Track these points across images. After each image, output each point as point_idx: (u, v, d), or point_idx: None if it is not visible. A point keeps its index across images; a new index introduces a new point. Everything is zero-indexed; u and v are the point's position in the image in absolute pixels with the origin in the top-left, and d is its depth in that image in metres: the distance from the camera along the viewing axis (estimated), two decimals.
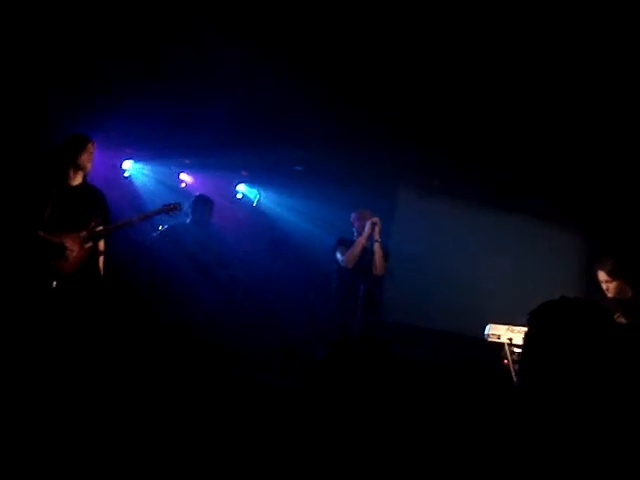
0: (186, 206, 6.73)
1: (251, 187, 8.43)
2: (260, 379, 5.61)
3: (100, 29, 6.06)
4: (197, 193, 7.27)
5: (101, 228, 5.15)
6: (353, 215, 6.25)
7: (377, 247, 6.02)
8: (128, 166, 7.92)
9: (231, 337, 6.55)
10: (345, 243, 6.11)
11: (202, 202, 6.90)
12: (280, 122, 7.37)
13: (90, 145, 5.15)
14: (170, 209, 5.66)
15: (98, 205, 5.22)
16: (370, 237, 6.01)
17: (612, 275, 5.62)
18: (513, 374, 4.86)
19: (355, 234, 6.14)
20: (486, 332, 5.27)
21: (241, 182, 8.46)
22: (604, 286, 5.67)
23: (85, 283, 5.04)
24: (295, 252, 7.86)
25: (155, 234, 6.65)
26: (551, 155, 7.02)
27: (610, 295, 5.68)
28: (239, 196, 8.43)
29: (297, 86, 6.58)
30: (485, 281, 7.49)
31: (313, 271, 7.31)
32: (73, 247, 4.97)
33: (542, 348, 1.93)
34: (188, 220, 6.80)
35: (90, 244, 5.10)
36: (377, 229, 6.03)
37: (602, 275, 5.67)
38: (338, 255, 6.08)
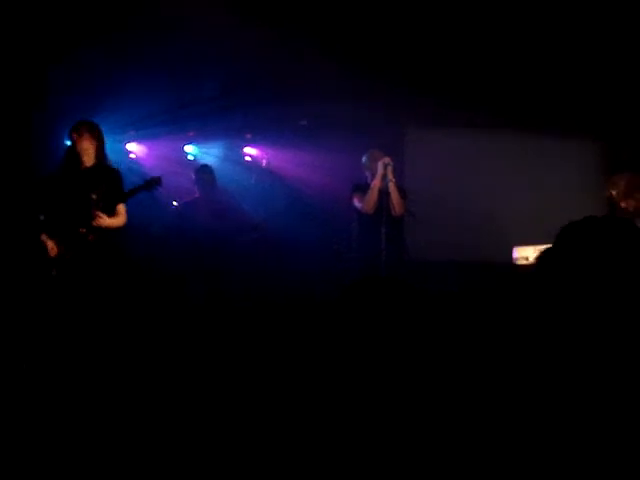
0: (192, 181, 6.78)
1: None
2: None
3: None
4: (197, 165, 7.25)
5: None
6: (364, 158, 6.15)
7: (392, 187, 5.94)
8: (133, 148, 7.91)
9: (261, 299, 6.56)
10: (361, 188, 6.06)
11: (202, 173, 6.88)
12: (278, 78, 7.31)
13: (82, 128, 5.15)
14: (151, 185, 5.34)
15: (106, 182, 5.19)
16: (384, 177, 5.95)
17: (625, 196, 5.55)
18: None
19: (369, 177, 6.07)
20: (514, 256, 5.25)
21: (247, 145, 8.40)
22: (621, 204, 5.60)
23: (91, 268, 5.02)
24: (312, 206, 7.82)
25: (170, 211, 6.67)
26: (553, 63, 6.89)
27: (629, 209, 5.63)
28: (248, 159, 8.38)
29: (292, 38, 6.51)
30: (504, 205, 7.41)
31: (334, 222, 7.28)
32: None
33: (569, 275, 1.80)
34: (196, 194, 6.79)
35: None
36: (390, 169, 5.93)
37: (614, 192, 5.60)
38: (356, 202, 6.03)
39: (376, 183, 5.90)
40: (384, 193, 5.90)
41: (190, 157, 8.20)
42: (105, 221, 5.03)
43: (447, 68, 7.01)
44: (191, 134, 8.13)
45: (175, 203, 6.84)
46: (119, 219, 5.18)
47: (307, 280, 6.99)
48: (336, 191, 6.85)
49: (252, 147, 8.41)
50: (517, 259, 5.20)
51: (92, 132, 5.18)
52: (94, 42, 6.54)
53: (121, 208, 5.19)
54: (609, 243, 1.78)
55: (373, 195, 5.89)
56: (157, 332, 5.26)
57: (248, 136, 8.39)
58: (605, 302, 1.74)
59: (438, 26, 6.60)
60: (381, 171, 5.89)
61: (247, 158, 8.39)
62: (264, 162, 8.28)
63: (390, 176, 5.91)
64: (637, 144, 6.99)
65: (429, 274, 6.84)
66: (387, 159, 5.92)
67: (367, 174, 6.11)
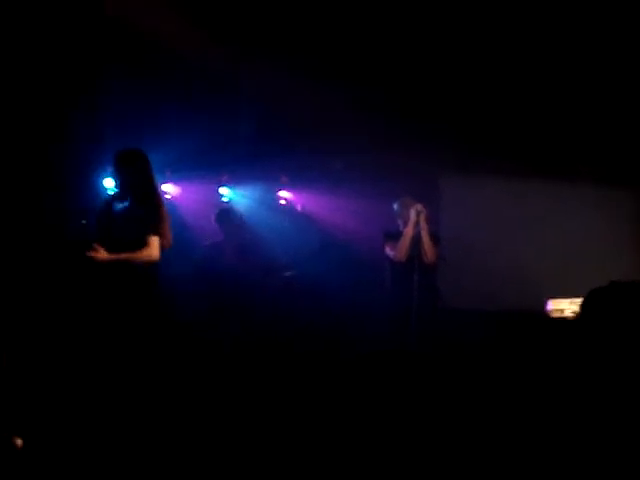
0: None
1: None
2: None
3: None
4: (217, 210, 7.28)
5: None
6: (395, 205, 6.13)
7: (424, 234, 5.90)
8: (169, 189, 7.98)
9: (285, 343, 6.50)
10: (392, 236, 6.03)
11: (223, 215, 6.95)
12: (314, 127, 7.37)
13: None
14: None
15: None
16: (416, 225, 5.91)
17: None
18: None
19: (401, 225, 6.04)
20: (548, 308, 5.17)
21: (282, 188, 8.42)
22: None
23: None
24: (346, 252, 7.78)
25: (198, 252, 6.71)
26: (585, 111, 6.86)
27: None
28: (282, 202, 8.40)
29: (328, 84, 6.59)
30: (539, 254, 7.31)
31: (366, 269, 7.23)
32: None
33: (595, 337, 1.84)
34: (221, 235, 6.84)
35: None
36: (422, 216, 5.91)
37: None
38: (388, 250, 6.00)
39: (408, 231, 5.87)
40: (416, 240, 5.87)
41: (225, 199, 8.25)
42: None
43: (481, 115, 7.01)
44: (225, 177, 8.18)
45: (206, 244, 6.90)
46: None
47: (336, 327, 6.92)
48: (370, 238, 6.82)
49: (287, 191, 8.43)
50: (551, 311, 5.12)
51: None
52: (134, 80, 6.70)
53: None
54: (632, 309, 1.82)
55: (406, 242, 5.86)
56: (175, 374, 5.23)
57: (284, 179, 8.42)
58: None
59: (472, 75, 6.64)
60: (413, 218, 5.86)
61: (282, 201, 8.41)
62: (299, 206, 8.30)
63: (422, 223, 5.88)
64: None
65: (461, 323, 6.74)
66: (419, 206, 5.90)
67: (399, 222, 6.09)
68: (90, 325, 4.85)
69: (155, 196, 5.10)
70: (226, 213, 7.08)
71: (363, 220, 7.42)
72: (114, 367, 4.63)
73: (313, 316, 6.84)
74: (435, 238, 6.04)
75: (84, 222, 5.50)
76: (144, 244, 4.85)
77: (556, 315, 5.05)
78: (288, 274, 6.95)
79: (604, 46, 6.18)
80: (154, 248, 4.89)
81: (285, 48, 6.59)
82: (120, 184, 5.10)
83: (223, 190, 8.26)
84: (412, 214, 5.86)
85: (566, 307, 5.00)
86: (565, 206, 7.63)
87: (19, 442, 3.74)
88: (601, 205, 7.54)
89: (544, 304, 5.30)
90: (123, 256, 4.81)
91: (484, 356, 6.04)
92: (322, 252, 7.74)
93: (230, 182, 8.26)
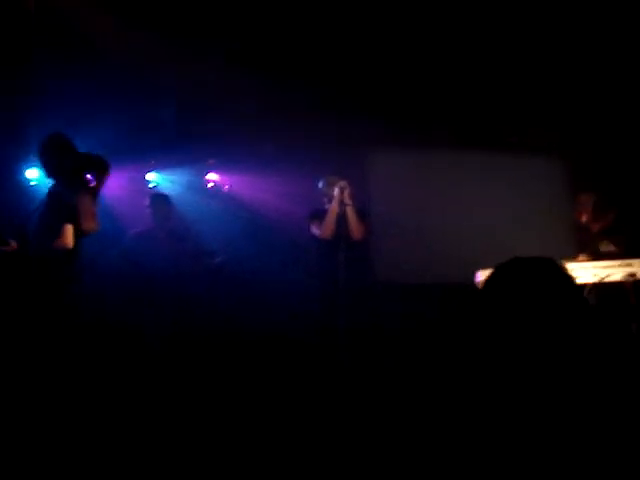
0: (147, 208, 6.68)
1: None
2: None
3: None
4: (151, 194, 7.14)
5: None
6: (320, 184, 6.09)
7: (349, 211, 5.87)
8: None
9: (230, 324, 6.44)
10: (318, 215, 5.99)
11: (158, 200, 6.82)
12: (237, 107, 7.27)
13: None
14: None
15: None
16: (341, 202, 5.84)
17: (594, 219, 5.61)
18: None
19: (326, 203, 6.00)
20: (477, 279, 5.22)
21: (210, 171, 8.29)
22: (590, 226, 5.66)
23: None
24: (275, 232, 7.72)
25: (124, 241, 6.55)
26: (516, 80, 6.92)
27: (594, 229, 5.68)
28: (210, 185, 8.27)
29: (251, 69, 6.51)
30: (470, 227, 7.37)
31: (296, 250, 7.20)
32: None
33: (491, 315, 1.86)
34: (153, 221, 6.70)
35: None
36: (346, 193, 5.87)
37: (584, 216, 5.65)
38: (314, 229, 5.96)
39: (333, 208, 5.83)
40: (342, 218, 5.84)
41: (152, 185, 8.07)
42: None
43: (405, 88, 7.00)
44: (152, 162, 8.00)
45: (131, 233, 6.75)
46: None
47: (266, 308, 6.88)
48: (300, 218, 6.78)
49: (215, 173, 8.30)
50: (480, 283, 5.16)
51: None
52: (54, 69, 6.50)
53: None
54: (532, 285, 1.85)
55: (330, 220, 5.83)
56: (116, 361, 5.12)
57: (211, 162, 8.29)
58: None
59: (399, 48, 6.61)
60: (337, 195, 5.82)
61: (210, 184, 8.28)
62: (226, 188, 8.18)
63: (347, 200, 5.85)
64: (602, 160, 7.02)
65: (394, 296, 6.77)
66: (343, 183, 5.87)
67: (324, 200, 6.05)
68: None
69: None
70: (162, 198, 6.94)
71: (292, 200, 7.36)
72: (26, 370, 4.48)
73: (242, 301, 6.79)
74: (362, 214, 6.01)
75: None
76: (58, 233, 4.76)
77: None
78: (218, 260, 6.86)
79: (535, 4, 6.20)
80: (67, 236, 4.79)
81: (208, 31, 6.46)
82: (44, 169, 5.10)
83: (150, 175, 8.09)
84: (335, 191, 5.82)
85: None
86: (495, 177, 7.70)
87: None
88: (531, 176, 7.63)
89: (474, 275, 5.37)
90: (35, 249, 4.74)
91: (412, 329, 6.10)
92: (251, 234, 7.67)
93: (157, 167, 8.10)
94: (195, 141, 7.71)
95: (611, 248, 5.60)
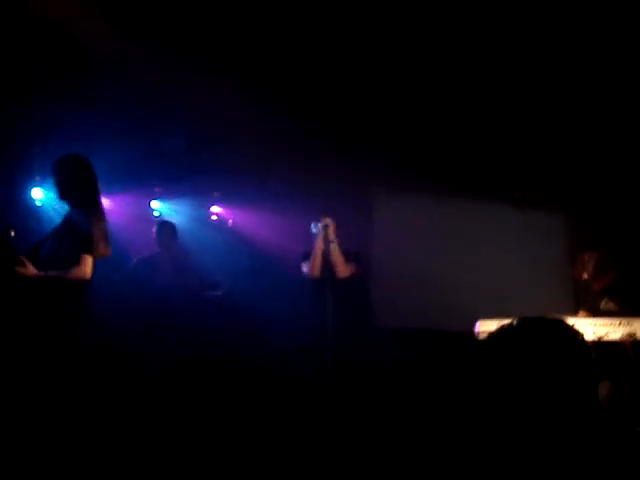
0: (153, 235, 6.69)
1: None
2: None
3: None
4: (159, 221, 7.16)
5: None
6: (312, 225, 5.99)
7: (333, 248, 5.76)
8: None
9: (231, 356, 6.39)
10: (309, 255, 5.92)
11: (166, 228, 6.83)
12: (245, 142, 7.32)
13: None
14: None
15: None
16: (326, 239, 5.76)
17: (595, 278, 5.63)
18: None
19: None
20: (476, 330, 5.19)
21: (214, 203, 8.32)
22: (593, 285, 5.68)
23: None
24: (275, 269, 7.71)
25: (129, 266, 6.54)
26: (521, 136, 6.98)
27: (595, 287, 5.69)
28: (214, 218, 8.29)
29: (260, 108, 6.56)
30: (471, 277, 7.36)
31: (293, 286, 7.19)
32: None
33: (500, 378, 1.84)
34: (159, 248, 6.71)
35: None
36: (330, 230, 5.77)
37: (585, 275, 5.67)
38: (304, 268, 5.92)
39: (318, 246, 5.75)
40: (328, 255, 5.76)
41: (156, 213, 8.10)
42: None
43: (417, 138, 7.06)
44: (157, 190, 8.03)
45: (134, 260, 6.74)
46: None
47: (260, 343, 6.85)
48: (298, 256, 6.78)
49: (219, 206, 8.33)
50: (479, 333, 5.15)
51: None
52: (65, 94, 6.54)
53: None
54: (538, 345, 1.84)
55: (316, 258, 5.76)
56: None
57: (216, 194, 8.33)
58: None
59: (405, 95, 6.68)
60: (322, 234, 5.75)
61: (213, 217, 8.30)
62: (230, 221, 8.20)
63: (331, 237, 5.76)
64: (603, 216, 7.05)
65: (388, 339, 6.73)
66: (328, 220, 5.78)
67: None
68: (9, 342, 4.63)
69: (93, 201, 4.85)
70: (169, 226, 6.94)
71: (294, 239, 7.37)
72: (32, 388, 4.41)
73: (240, 334, 6.76)
74: (352, 255, 5.94)
75: (13, 235, 5.27)
76: (76, 262, 4.60)
77: (482, 337, 5.08)
78: (219, 292, 6.84)
79: (536, 68, 6.28)
80: (86, 267, 4.63)
81: (220, 63, 6.53)
82: (57, 189, 4.88)
83: (155, 204, 8.11)
84: (319, 228, 5.74)
85: (493, 329, 5.02)
86: (498, 230, 7.72)
87: None
88: (533, 230, 7.65)
89: (473, 325, 5.34)
90: (52, 274, 4.57)
91: (401, 372, 6.05)
92: (252, 269, 7.66)
93: (162, 196, 8.13)
94: (202, 173, 7.75)
95: (611, 306, 5.60)
